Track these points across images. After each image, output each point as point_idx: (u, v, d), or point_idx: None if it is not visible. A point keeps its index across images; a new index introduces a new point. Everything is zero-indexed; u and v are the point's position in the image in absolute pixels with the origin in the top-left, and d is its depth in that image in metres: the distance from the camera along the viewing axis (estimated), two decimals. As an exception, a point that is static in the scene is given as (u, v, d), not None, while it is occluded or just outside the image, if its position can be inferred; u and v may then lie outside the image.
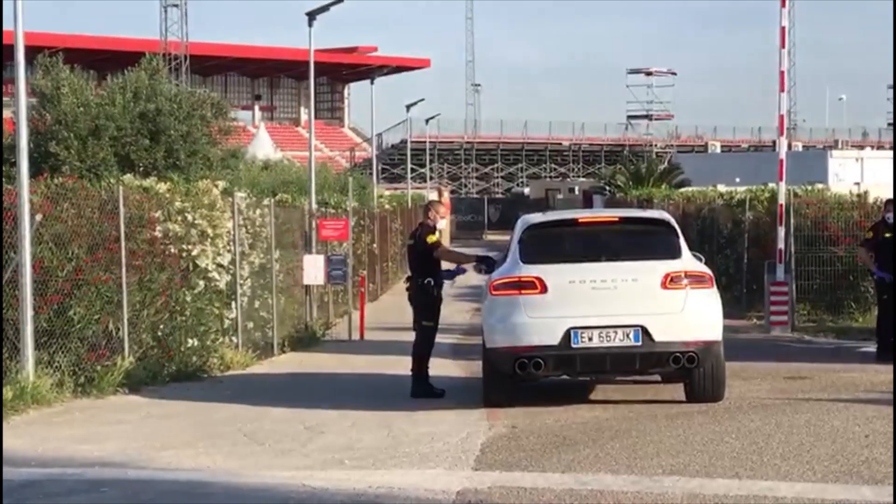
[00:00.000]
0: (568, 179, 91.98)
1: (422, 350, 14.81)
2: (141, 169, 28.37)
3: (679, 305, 12.66)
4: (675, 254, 13.09)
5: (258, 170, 43.89)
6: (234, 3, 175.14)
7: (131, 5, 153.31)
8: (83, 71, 32.85)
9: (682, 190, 48.59)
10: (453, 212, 68.91)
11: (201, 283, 17.95)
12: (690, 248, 13.53)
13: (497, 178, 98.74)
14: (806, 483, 8.93)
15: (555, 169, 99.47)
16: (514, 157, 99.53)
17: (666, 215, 14.51)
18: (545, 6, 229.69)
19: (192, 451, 11.07)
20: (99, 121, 28.96)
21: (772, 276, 23.66)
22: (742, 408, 12.68)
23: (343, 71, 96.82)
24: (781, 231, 23.73)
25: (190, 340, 17.33)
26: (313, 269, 23.82)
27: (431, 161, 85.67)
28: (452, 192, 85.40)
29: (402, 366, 15.60)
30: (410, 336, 15.19)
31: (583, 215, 14.93)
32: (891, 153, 69.18)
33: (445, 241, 17.80)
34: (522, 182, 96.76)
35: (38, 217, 14.65)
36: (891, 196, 20.00)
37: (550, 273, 12.82)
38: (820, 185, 30.87)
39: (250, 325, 20.02)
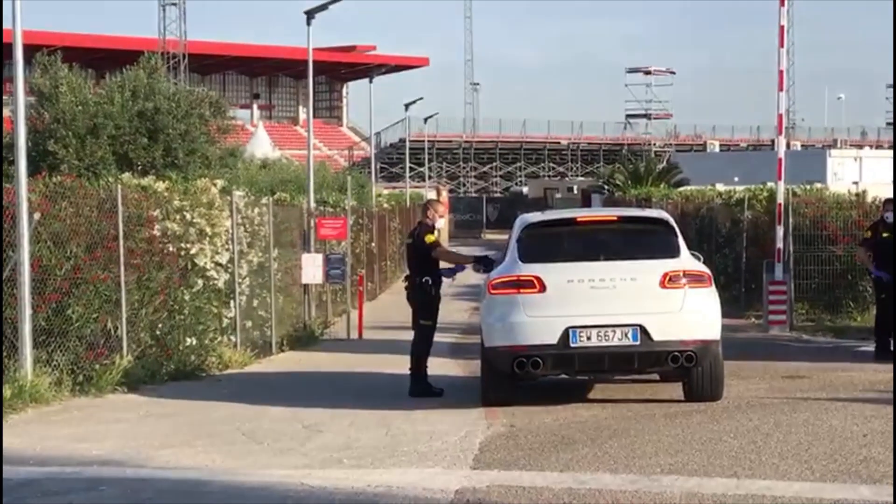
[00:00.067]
0: (566, 179, 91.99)
1: (420, 349, 14.81)
2: (139, 167, 28.37)
3: (678, 305, 12.66)
4: (673, 253, 13.09)
5: (256, 168, 43.87)
6: (233, 1, 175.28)
7: (130, 4, 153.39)
8: (81, 69, 32.83)
9: (681, 189, 48.58)
10: (452, 211, 68.96)
11: (200, 281, 17.96)
12: (689, 248, 13.53)
13: (495, 177, 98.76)
14: (804, 482, 8.93)
15: (553, 168, 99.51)
16: (513, 156, 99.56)
17: (664, 214, 14.51)
18: (544, 5, 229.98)
19: (190, 450, 11.07)
20: (97, 119, 28.95)
21: (770, 276, 23.66)
22: (740, 407, 12.68)
23: (341, 70, 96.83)
24: (780, 230, 23.75)
25: (188, 339, 17.33)
26: (312, 267, 23.83)
27: (430, 160, 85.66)
28: (451, 191, 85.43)
29: (400, 365, 15.60)
30: (409, 335, 15.19)
31: (581, 214, 14.92)
32: (889, 152, 69.33)
33: (444, 240, 17.78)
34: (521, 181, 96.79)
35: (37, 216, 14.65)
36: (889, 195, 20.01)
37: (549, 272, 12.81)
38: (818, 185, 30.87)
39: (249, 324, 20.02)
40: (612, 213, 15.81)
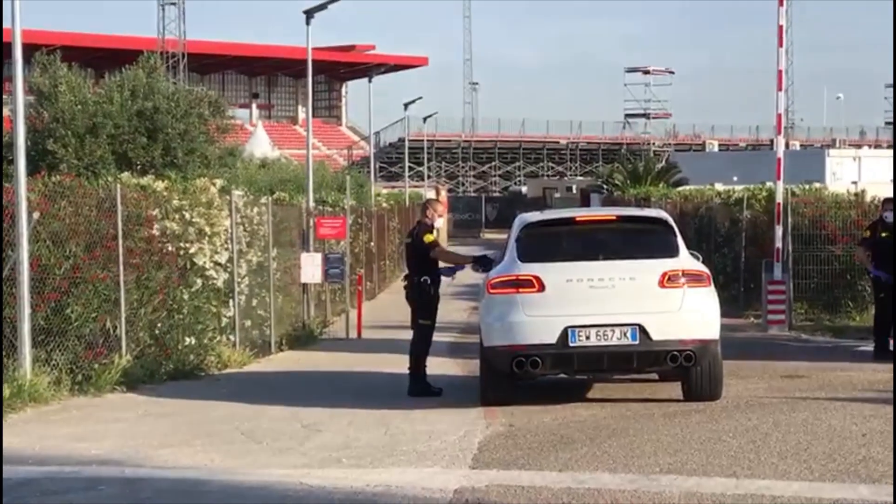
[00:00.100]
0: (565, 178, 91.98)
1: (419, 348, 14.81)
2: (138, 167, 28.36)
3: (677, 304, 12.66)
4: (672, 252, 13.09)
5: (256, 168, 43.84)
6: (232, 1, 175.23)
7: (129, 4, 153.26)
8: (81, 69, 32.81)
9: (680, 189, 48.57)
10: (450, 210, 69.01)
11: (199, 281, 17.95)
12: (688, 247, 13.53)
13: (494, 176, 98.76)
14: (803, 482, 8.93)
15: (552, 167, 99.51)
16: (512, 155, 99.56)
17: (663, 214, 14.52)
18: (543, 5, 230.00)
19: (189, 450, 11.07)
20: (96, 119, 28.94)
21: (769, 275, 23.66)
22: (739, 406, 12.69)
23: (341, 69, 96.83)
24: (779, 230, 23.75)
25: (187, 339, 17.33)
26: (311, 267, 23.83)
27: (429, 159, 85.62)
28: (450, 190, 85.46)
29: (399, 364, 15.60)
30: (408, 334, 15.20)
31: (580, 214, 14.92)
32: (888, 152, 69.39)
33: (443, 240, 17.80)
34: (520, 181, 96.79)
35: (36, 215, 14.65)
36: (888, 195, 20.02)
37: (548, 272, 12.82)
38: (817, 184, 30.87)
39: (248, 323, 20.02)
40: (611, 212, 15.81)
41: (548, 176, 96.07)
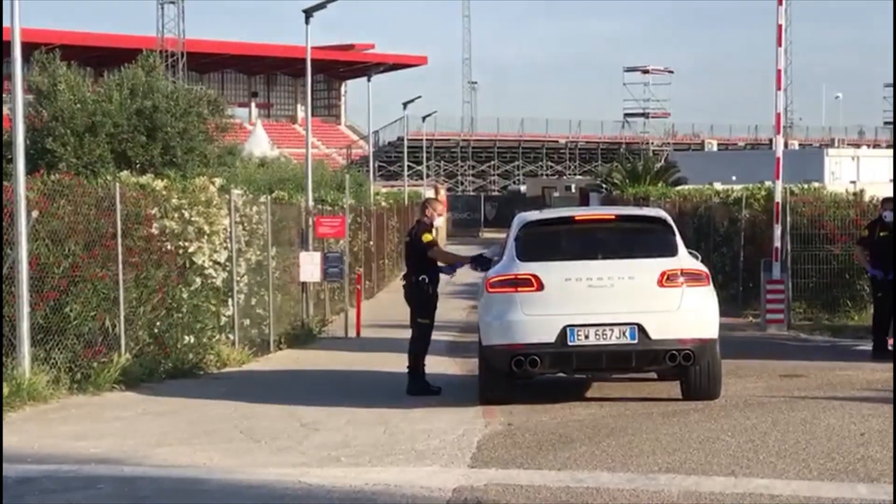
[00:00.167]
0: (564, 177, 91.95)
1: (418, 347, 14.82)
2: (138, 166, 28.35)
3: (675, 303, 12.67)
4: (671, 252, 13.10)
5: (255, 167, 43.83)
6: (231, 0, 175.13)
7: (128, 3, 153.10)
8: (80, 68, 32.78)
9: (679, 188, 48.58)
10: (450, 209, 69.00)
11: (198, 280, 17.95)
12: (687, 247, 13.53)
13: (493, 175, 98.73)
14: (802, 481, 8.93)
15: (551, 167, 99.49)
16: (511, 154, 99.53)
17: (662, 213, 14.52)
18: (542, 4, 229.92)
19: (188, 448, 11.07)
20: (96, 117, 28.93)
21: (768, 275, 23.67)
22: (738, 406, 12.69)
23: (340, 68, 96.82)
24: (778, 229, 23.76)
25: (186, 337, 17.34)
26: (310, 266, 23.83)
27: (428, 158, 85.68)
28: (449, 189, 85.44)
29: (398, 363, 15.60)
30: (407, 333, 15.20)
31: (579, 213, 14.92)
32: (887, 152, 69.45)
33: (442, 239, 17.81)
34: (519, 180, 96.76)
35: (35, 214, 14.65)
36: (887, 194, 20.04)
37: (547, 271, 12.82)
38: (816, 184, 30.86)
39: (247, 322, 20.03)
40: (610, 211, 15.83)
41: (547, 175, 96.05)
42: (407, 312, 15.14)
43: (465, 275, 17.17)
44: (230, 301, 19.07)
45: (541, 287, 12.72)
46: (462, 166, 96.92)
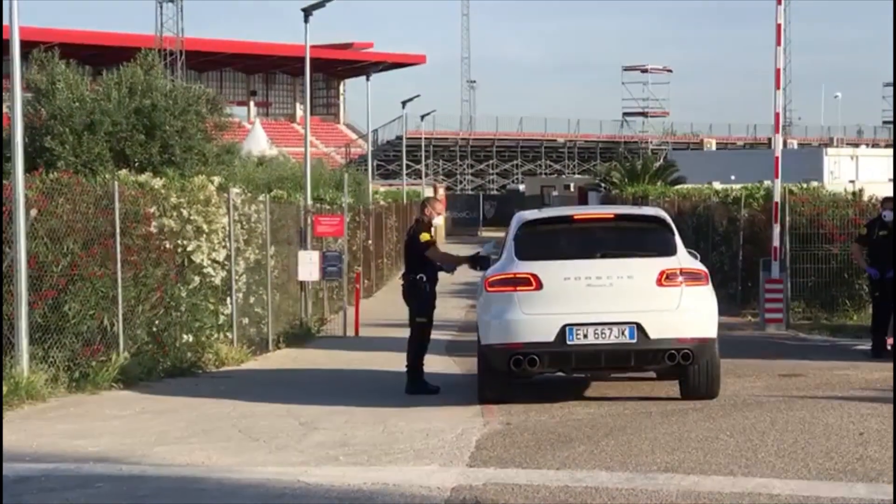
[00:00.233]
0: (563, 176, 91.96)
1: (416, 346, 14.81)
2: (136, 164, 28.29)
3: (674, 303, 12.66)
4: (670, 251, 13.09)
5: (253, 166, 43.82)
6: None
7: (127, 1, 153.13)
8: (79, 66, 32.68)
9: (678, 187, 48.63)
10: (448, 208, 69.00)
11: (196, 278, 17.95)
12: (686, 246, 13.52)
13: (492, 174, 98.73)
14: (800, 480, 8.93)
15: (550, 166, 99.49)
16: (510, 153, 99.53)
17: (661, 212, 14.51)
18: (541, 3, 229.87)
19: (186, 447, 11.06)
20: (94, 116, 28.86)
21: (767, 274, 23.68)
22: (737, 405, 12.69)
23: (338, 67, 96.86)
24: (777, 229, 23.77)
25: (185, 336, 17.34)
26: (308, 265, 23.82)
27: (427, 157, 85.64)
28: (448, 188, 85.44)
29: (396, 362, 15.60)
30: (405, 332, 15.20)
31: (578, 212, 14.91)
32: (886, 151, 69.44)
33: (441, 238, 17.81)
34: (518, 179, 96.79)
35: (34, 212, 14.65)
36: (887, 194, 20.06)
37: (546, 270, 12.81)
38: (815, 183, 30.86)
39: (245, 320, 20.02)
40: (609, 210, 15.84)
41: (546, 174, 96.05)
42: (405, 311, 15.14)
43: (465, 274, 17.17)
44: (229, 300, 19.06)
45: (540, 286, 12.72)
46: (461, 165, 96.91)
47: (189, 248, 17.83)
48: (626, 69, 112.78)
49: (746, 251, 27.69)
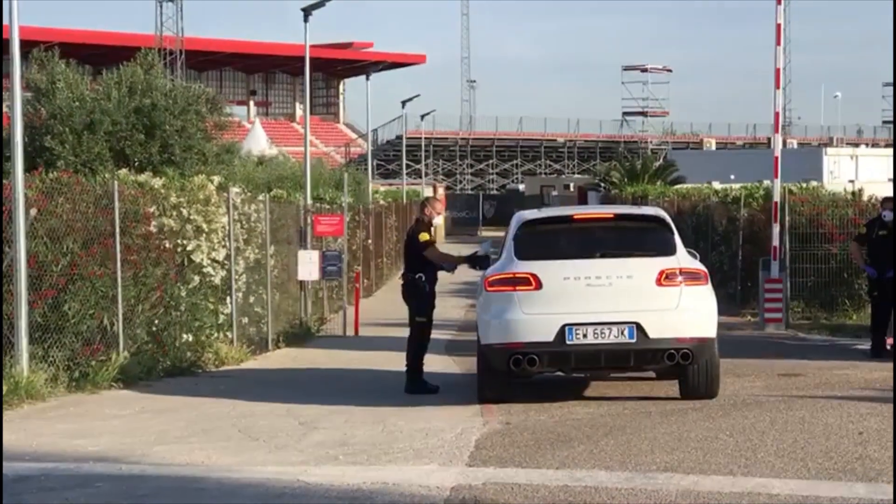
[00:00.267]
0: (563, 176, 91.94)
1: (416, 346, 14.81)
2: (136, 164, 28.29)
3: (674, 302, 12.66)
4: (669, 251, 13.09)
5: (253, 165, 43.82)
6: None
7: (127, 0, 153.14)
8: (78, 66, 32.68)
9: (678, 187, 48.63)
10: (448, 208, 69.00)
11: (196, 278, 17.95)
12: (685, 245, 13.53)
13: (492, 174, 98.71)
14: (800, 480, 8.93)
15: (550, 165, 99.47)
16: (510, 153, 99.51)
17: (661, 212, 14.51)
18: (541, 3, 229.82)
19: (186, 447, 11.06)
20: (94, 115, 28.86)
21: (766, 274, 23.68)
22: (736, 405, 12.69)
23: (338, 66, 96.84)
24: (776, 228, 23.77)
25: (184, 335, 17.33)
26: (308, 264, 23.82)
27: (426, 157, 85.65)
28: (447, 188, 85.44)
29: (396, 361, 15.60)
30: (405, 332, 15.20)
31: (578, 212, 14.90)
32: (886, 151, 69.40)
33: (440, 237, 17.83)
34: (517, 178, 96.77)
35: (33, 212, 14.65)
36: (887, 194, 20.07)
37: (545, 269, 12.82)
38: (815, 183, 30.87)
39: (245, 320, 20.02)
40: (609, 210, 15.84)
41: (545, 174, 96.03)
42: (405, 311, 15.14)
43: (464, 273, 17.17)
44: (228, 299, 19.06)
45: (539, 286, 12.72)
46: (460, 165, 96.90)
47: (189, 248, 17.83)
48: (626, 69, 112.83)
49: (746, 251, 27.69)
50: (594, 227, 13.78)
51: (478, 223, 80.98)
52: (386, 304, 28.59)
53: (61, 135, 28.34)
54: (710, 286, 13.09)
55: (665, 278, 12.73)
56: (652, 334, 12.52)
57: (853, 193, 26.29)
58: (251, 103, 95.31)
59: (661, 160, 69.21)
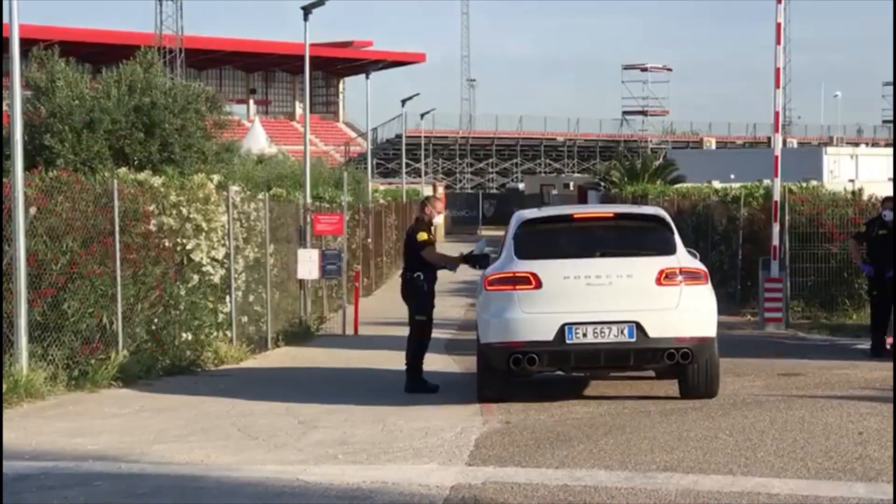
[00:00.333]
0: (563, 175, 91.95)
1: (416, 345, 14.81)
2: (136, 162, 28.29)
3: (673, 302, 12.66)
4: (669, 250, 13.09)
5: (253, 164, 43.81)
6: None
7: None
8: (78, 64, 32.69)
9: (677, 186, 48.63)
10: (448, 207, 68.99)
11: (195, 277, 17.94)
12: (685, 245, 13.52)
13: (492, 173, 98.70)
14: (800, 480, 8.93)
15: (550, 164, 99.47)
16: (509, 152, 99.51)
17: (661, 211, 14.51)
18: (541, 2, 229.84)
19: (185, 446, 11.06)
20: (94, 114, 28.85)
21: (766, 273, 23.67)
22: (736, 404, 12.68)
23: (338, 65, 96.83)
24: (776, 228, 23.76)
25: (184, 334, 17.33)
26: (308, 263, 23.81)
27: (426, 156, 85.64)
28: (447, 187, 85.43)
29: (395, 360, 15.59)
30: (404, 331, 15.20)
31: (578, 211, 14.88)
32: (886, 150, 69.40)
33: (440, 236, 17.82)
34: (517, 177, 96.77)
35: (33, 210, 14.65)
36: (887, 193, 20.08)
37: (545, 268, 12.81)
38: (815, 182, 30.87)
39: (244, 319, 20.01)
40: (609, 209, 15.81)
41: (545, 173, 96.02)
42: (405, 310, 15.14)
43: (464, 272, 17.17)
44: (228, 298, 19.05)
45: (539, 285, 12.72)
46: (460, 164, 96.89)
47: (188, 247, 17.82)
48: (626, 68, 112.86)
49: (746, 250, 27.69)
50: (594, 226, 13.77)
51: (477, 222, 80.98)
52: (386, 303, 28.58)
53: (61, 133, 28.33)
54: (709, 285, 13.08)
55: (665, 278, 12.72)
56: (652, 334, 12.51)
57: (853, 193, 26.29)
58: (251, 102, 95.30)
59: (660, 159, 69.16)
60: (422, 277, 14.77)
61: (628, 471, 9.35)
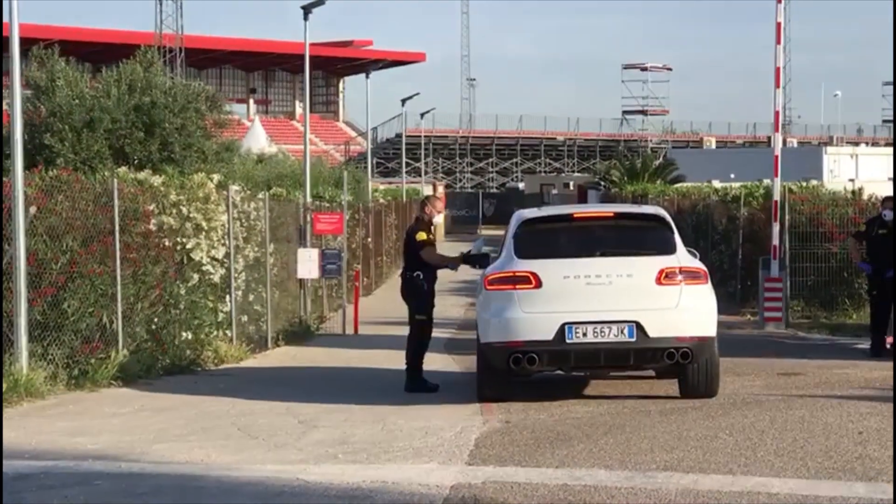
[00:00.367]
0: (563, 174, 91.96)
1: (416, 344, 14.81)
2: (136, 162, 28.28)
3: (673, 301, 12.66)
4: (669, 249, 13.09)
5: (253, 163, 43.80)
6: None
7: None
8: (78, 63, 32.70)
9: (677, 186, 48.63)
10: (448, 207, 68.99)
11: (195, 276, 17.94)
12: (685, 244, 13.52)
13: (492, 172, 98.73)
14: (799, 479, 8.93)
15: (550, 164, 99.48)
16: (509, 151, 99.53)
17: (661, 211, 14.51)
18: (541, 1, 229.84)
19: (185, 445, 11.06)
20: (94, 113, 28.85)
21: (766, 273, 23.67)
22: (736, 404, 12.68)
23: (338, 65, 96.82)
24: (776, 227, 23.76)
25: (184, 334, 17.33)
26: (308, 262, 23.81)
27: (426, 155, 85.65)
28: (447, 186, 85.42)
29: (395, 360, 15.58)
30: (404, 330, 15.19)
31: (578, 210, 14.87)
32: (886, 150, 69.37)
33: (440, 236, 17.82)
34: (517, 177, 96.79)
35: (33, 209, 14.65)
36: (887, 193, 20.09)
37: (545, 268, 12.81)
38: (815, 182, 30.87)
39: (244, 318, 20.01)
40: (609, 209, 15.81)
41: (545, 172, 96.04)
42: (405, 309, 15.13)
43: (464, 272, 17.16)
44: (228, 297, 19.05)
45: (539, 284, 12.71)
46: (460, 163, 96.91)
47: (188, 246, 17.82)
48: (626, 67, 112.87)
49: (746, 250, 27.69)
50: (594, 225, 13.77)
51: (477, 221, 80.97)
52: (386, 303, 28.58)
53: (61, 132, 28.33)
54: (709, 285, 13.08)
55: (665, 277, 12.72)
56: (652, 333, 12.51)
57: (853, 192, 26.29)
58: (251, 101, 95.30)
59: (660, 159, 69.16)
60: (422, 277, 14.77)
61: (628, 470, 9.35)
